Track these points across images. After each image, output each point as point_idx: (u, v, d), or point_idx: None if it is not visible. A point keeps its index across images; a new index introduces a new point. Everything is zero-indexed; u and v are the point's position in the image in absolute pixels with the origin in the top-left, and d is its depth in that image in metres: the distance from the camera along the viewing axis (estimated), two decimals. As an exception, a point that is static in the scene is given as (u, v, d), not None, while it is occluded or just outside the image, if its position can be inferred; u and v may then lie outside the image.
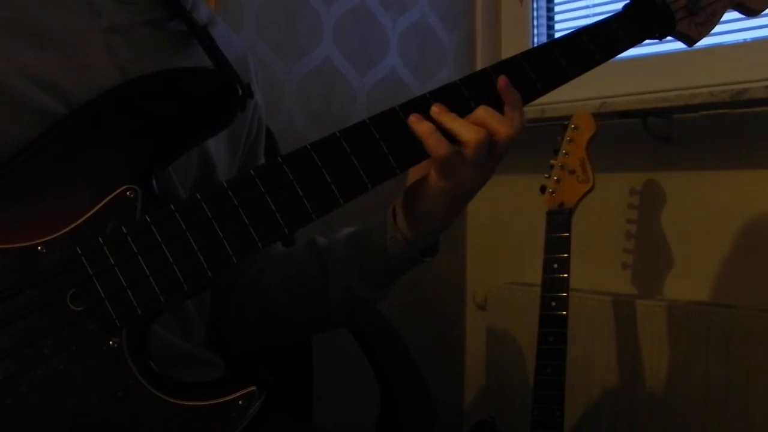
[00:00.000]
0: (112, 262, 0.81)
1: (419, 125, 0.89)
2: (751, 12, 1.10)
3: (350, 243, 1.03)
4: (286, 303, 1.07)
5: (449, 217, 0.96)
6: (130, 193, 0.83)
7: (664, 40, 1.06)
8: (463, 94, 0.92)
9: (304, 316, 1.08)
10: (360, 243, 1.01)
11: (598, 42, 0.99)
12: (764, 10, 1.10)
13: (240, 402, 0.81)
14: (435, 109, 0.90)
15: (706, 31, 1.07)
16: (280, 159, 0.86)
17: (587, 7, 2.13)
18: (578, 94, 1.86)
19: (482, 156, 0.90)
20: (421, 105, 0.91)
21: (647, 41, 1.05)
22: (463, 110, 0.92)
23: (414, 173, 0.96)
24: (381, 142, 0.89)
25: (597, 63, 0.99)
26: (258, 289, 1.08)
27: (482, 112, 0.91)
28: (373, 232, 1.01)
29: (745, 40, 1.83)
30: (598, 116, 1.70)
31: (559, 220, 1.62)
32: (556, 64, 0.96)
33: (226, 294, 1.10)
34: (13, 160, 0.83)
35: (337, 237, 1.05)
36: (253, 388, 0.82)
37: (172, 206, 0.83)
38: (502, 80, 0.92)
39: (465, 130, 0.89)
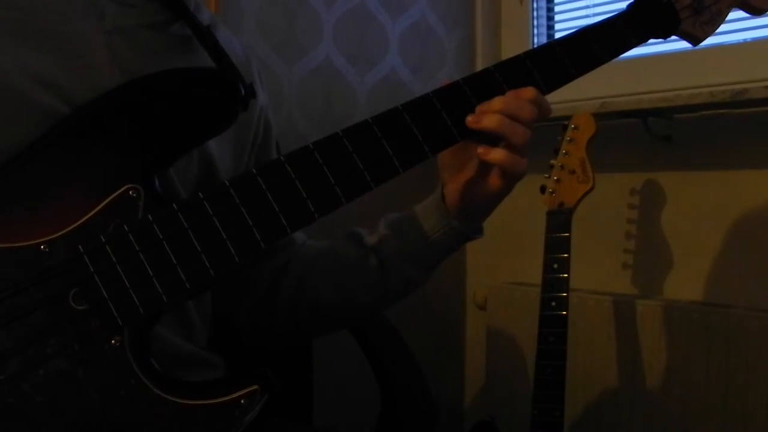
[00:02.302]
0: (115, 261, 0.81)
1: (491, 154, 0.94)
2: (755, 11, 1.10)
3: (402, 237, 1.05)
4: (344, 304, 1.09)
5: (501, 200, 1.01)
6: (133, 193, 0.83)
7: (668, 39, 1.06)
8: (466, 93, 0.92)
9: (361, 312, 1.12)
10: (413, 235, 1.04)
11: (603, 41, 0.99)
12: None
13: (242, 401, 0.81)
14: (470, 121, 0.93)
15: (711, 30, 1.07)
16: (282, 158, 0.86)
17: (587, 7, 2.13)
18: (578, 94, 1.86)
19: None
20: (423, 104, 0.91)
21: (651, 40, 1.05)
22: (466, 109, 0.92)
23: (449, 170, 1.01)
24: (384, 142, 0.89)
25: (601, 62, 0.99)
26: (309, 294, 1.10)
27: (499, 103, 0.93)
28: (421, 222, 1.04)
29: (745, 40, 1.83)
30: (598, 116, 1.70)
31: (559, 220, 1.62)
32: (560, 63, 0.97)
33: (267, 298, 1.11)
34: (16, 160, 0.83)
35: (384, 230, 1.07)
36: (255, 387, 0.82)
37: (174, 205, 0.83)
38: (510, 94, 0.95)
39: (515, 134, 0.93)
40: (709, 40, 1.66)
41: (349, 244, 1.09)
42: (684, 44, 1.11)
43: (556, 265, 1.60)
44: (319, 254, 1.12)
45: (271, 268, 1.11)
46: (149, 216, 0.82)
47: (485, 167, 0.97)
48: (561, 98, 1.85)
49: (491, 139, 0.94)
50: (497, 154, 0.93)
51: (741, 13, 1.34)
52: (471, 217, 1.02)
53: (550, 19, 2.24)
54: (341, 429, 1.94)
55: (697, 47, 1.12)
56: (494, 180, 0.96)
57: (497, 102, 0.93)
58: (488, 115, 0.92)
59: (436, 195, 1.03)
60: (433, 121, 0.91)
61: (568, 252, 1.60)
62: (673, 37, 1.08)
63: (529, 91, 0.94)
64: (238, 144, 1.06)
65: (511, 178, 0.96)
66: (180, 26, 1.01)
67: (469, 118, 0.93)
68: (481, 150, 0.94)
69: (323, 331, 1.20)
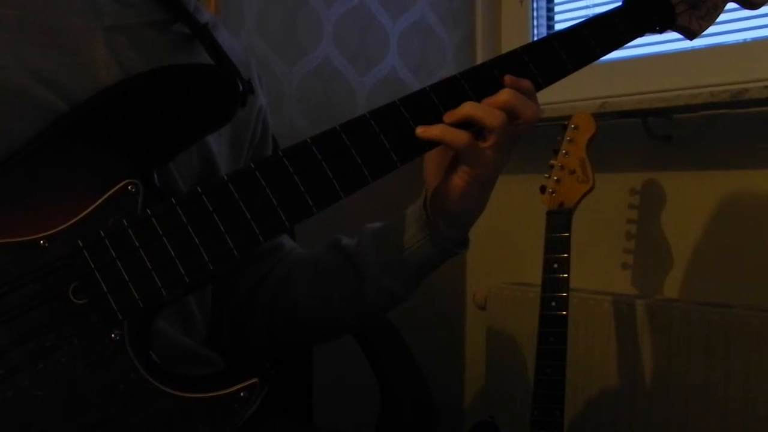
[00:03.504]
0: (114, 255, 0.81)
1: (429, 132, 0.90)
2: (751, 5, 1.10)
3: (381, 245, 1.03)
4: (318, 311, 1.07)
5: (482, 204, 0.98)
6: (132, 188, 0.83)
7: (664, 33, 1.07)
8: (463, 88, 0.93)
9: (338, 321, 1.09)
10: (392, 244, 1.02)
11: (599, 35, 0.99)
12: (765, 4, 1.10)
13: (242, 394, 0.81)
14: (446, 117, 0.91)
15: (706, 24, 1.07)
16: (280, 153, 0.86)
17: (587, 7, 2.13)
18: (578, 94, 1.87)
19: (506, 137, 0.92)
20: (421, 98, 0.91)
21: (649, 36, 1.05)
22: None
23: (434, 173, 0.98)
24: (381, 136, 0.89)
25: (597, 56, 0.99)
26: (285, 299, 1.08)
27: (507, 95, 0.92)
28: (402, 231, 1.01)
29: (745, 40, 1.83)
30: (598, 116, 1.70)
31: (559, 220, 1.62)
32: (557, 57, 0.97)
33: (248, 302, 1.10)
34: (16, 157, 0.83)
35: (364, 239, 1.05)
36: (255, 380, 0.82)
37: (173, 200, 0.83)
38: (508, 79, 0.93)
39: (487, 115, 0.91)
40: (709, 40, 1.66)
41: (329, 250, 1.08)
42: (684, 44, 1.11)
43: (556, 265, 1.60)
44: (300, 260, 1.11)
45: (255, 272, 1.10)
46: (148, 210, 0.83)
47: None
48: (561, 98, 1.87)
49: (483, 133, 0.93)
50: (434, 130, 0.90)
51: (741, 13, 1.34)
52: (452, 223, 0.99)
53: (550, 19, 2.25)
54: (341, 429, 1.94)
55: (697, 47, 1.12)
56: (460, 171, 0.94)
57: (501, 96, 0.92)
58: (460, 107, 0.91)
59: (419, 203, 1.01)
60: (430, 116, 0.91)
61: (568, 252, 1.60)
62: (673, 36, 1.08)
63: (525, 83, 0.94)
64: (236, 142, 1.06)
65: (465, 160, 0.92)
66: (180, 26, 1.01)
67: (446, 116, 0.92)
68: (419, 129, 0.91)
69: (301, 342, 1.18)
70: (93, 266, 0.80)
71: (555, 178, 1.65)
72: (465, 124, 0.91)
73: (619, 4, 1.03)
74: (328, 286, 1.06)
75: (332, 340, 1.16)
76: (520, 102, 0.92)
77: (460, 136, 0.90)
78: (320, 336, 1.15)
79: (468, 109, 0.91)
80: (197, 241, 0.82)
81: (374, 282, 1.03)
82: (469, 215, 0.99)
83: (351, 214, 1.18)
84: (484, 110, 0.91)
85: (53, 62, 0.89)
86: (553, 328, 1.58)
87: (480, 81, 0.93)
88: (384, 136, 0.89)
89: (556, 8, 2.24)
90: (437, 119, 0.91)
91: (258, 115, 1.11)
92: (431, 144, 0.91)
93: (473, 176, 0.93)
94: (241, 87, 0.89)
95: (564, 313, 1.58)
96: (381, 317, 1.38)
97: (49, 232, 0.81)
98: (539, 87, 0.96)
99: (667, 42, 1.87)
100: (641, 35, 1.03)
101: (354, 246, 1.05)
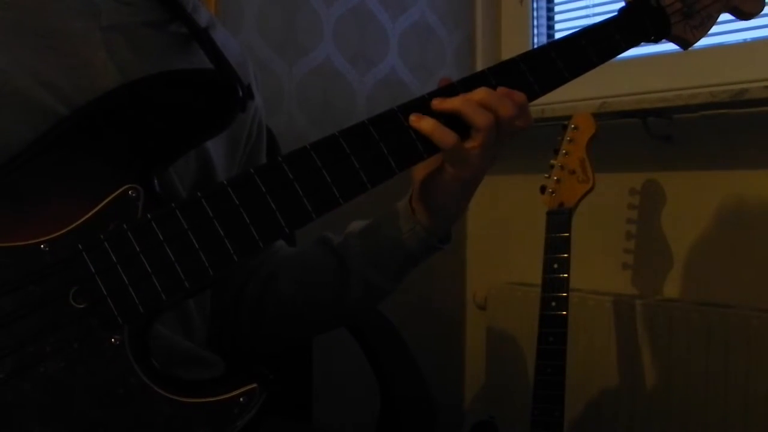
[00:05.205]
0: (114, 259, 0.81)
1: (421, 122, 0.91)
2: (745, 15, 1.11)
3: (367, 238, 1.04)
4: (304, 304, 1.08)
5: (464, 203, 1.00)
6: (132, 192, 0.84)
7: (659, 42, 1.07)
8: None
9: (323, 314, 1.10)
10: (377, 237, 1.03)
11: (596, 45, 1.00)
12: (758, 13, 1.12)
13: (241, 399, 0.81)
14: (435, 102, 0.92)
15: (701, 34, 1.08)
16: (279, 158, 0.86)
17: (587, 7, 2.13)
18: (578, 94, 1.87)
19: (492, 140, 0.92)
20: (419, 106, 0.92)
21: (643, 44, 1.06)
22: None
23: (421, 168, 0.98)
24: (380, 143, 0.89)
25: (593, 66, 1.01)
26: (272, 292, 1.09)
27: (482, 93, 0.92)
28: (387, 225, 1.02)
29: (745, 40, 1.83)
30: (598, 116, 1.71)
31: (559, 220, 1.63)
32: (554, 66, 0.98)
33: (236, 298, 1.11)
34: (16, 160, 0.83)
35: (350, 233, 1.06)
36: (254, 385, 0.82)
37: (173, 205, 0.83)
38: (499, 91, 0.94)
39: (476, 114, 0.91)
40: (709, 40, 1.66)
41: (316, 245, 1.09)
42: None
43: (556, 265, 1.60)
44: (287, 256, 1.12)
45: (243, 271, 1.11)
46: (148, 215, 0.83)
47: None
48: (561, 98, 1.86)
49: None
50: (426, 123, 0.91)
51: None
52: (433, 217, 1.00)
53: (550, 19, 2.24)
54: (341, 429, 1.94)
55: (697, 47, 1.13)
56: (443, 169, 0.95)
57: (479, 91, 0.93)
58: (451, 99, 0.92)
59: (406, 198, 1.02)
60: None
61: (568, 252, 1.60)
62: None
63: (518, 95, 0.94)
64: (232, 142, 1.06)
65: (449, 159, 0.93)
66: (178, 26, 1.01)
67: (434, 101, 0.92)
68: (413, 117, 0.91)
69: (288, 336, 1.17)
70: (93, 270, 0.81)
71: (555, 178, 1.65)
72: (453, 119, 0.92)
73: (615, 13, 1.04)
74: (314, 279, 1.07)
75: (320, 334, 1.16)
76: (494, 99, 0.92)
77: (448, 137, 0.91)
78: (306, 330, 1.16)
79: (458, 103, 0.92)
80: (197, 246, 0.83)
81: (358, 274, 1.04)
82: (447, 212, 1.00)
83: (352, 216, 1.18)
84: (474, 109, 0.91)
85: (51, 64, 0.89)
86: (553, 328, 1.59)
87: (477, 87, 0.94)
88: (383, 143, 0.89)
89: (556, 8, 2.24)
90: None
91: (254, 116, 1.11)
92: (428, 151, 0.92)
93: (453, 176, 0.95)
94: (240, 92, 0.89)
95: (564, 313, 1.59)
96: (376, 313, 1.39)
97: (49, 236, 0.81)
98: (536, 95, 0.97)
99: (667, 42, 1.87)
100: (637, 45, 1.04)
101: (341, 240, 1.07)
